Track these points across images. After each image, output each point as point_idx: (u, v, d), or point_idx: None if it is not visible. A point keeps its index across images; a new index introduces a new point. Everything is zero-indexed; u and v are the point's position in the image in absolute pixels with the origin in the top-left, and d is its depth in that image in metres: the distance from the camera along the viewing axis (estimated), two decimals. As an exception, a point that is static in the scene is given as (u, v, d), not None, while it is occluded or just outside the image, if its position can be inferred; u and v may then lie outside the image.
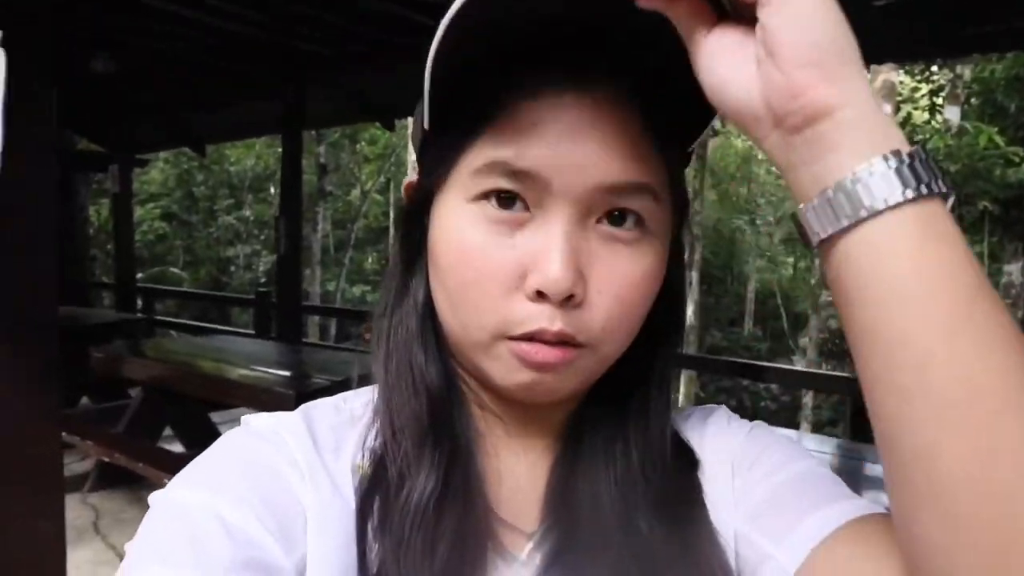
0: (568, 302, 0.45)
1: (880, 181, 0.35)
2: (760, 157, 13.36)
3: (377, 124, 7.58)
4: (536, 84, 0.45)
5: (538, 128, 0.45)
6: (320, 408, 0.54)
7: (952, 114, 7.20)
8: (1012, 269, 7.19)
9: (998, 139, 6.57)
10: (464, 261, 0.46)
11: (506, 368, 0.47)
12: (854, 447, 2.88)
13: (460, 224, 0.47)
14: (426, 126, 0.48)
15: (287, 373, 3.40)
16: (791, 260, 16.34)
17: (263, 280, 14.99)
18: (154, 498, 0.46)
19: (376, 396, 0.53)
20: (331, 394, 0.57)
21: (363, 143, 15.83)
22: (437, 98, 0.46)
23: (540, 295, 0.44)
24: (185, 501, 0.44)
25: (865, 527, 0.45)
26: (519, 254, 0.45)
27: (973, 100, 7.32)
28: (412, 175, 0.54)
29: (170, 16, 3.92)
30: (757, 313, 15.47)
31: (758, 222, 15.05)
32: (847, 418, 4.53)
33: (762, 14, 0.36)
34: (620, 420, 0.53)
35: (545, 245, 0.45)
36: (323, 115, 6.46)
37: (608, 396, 0.54)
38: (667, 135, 0.47)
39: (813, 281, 12.02)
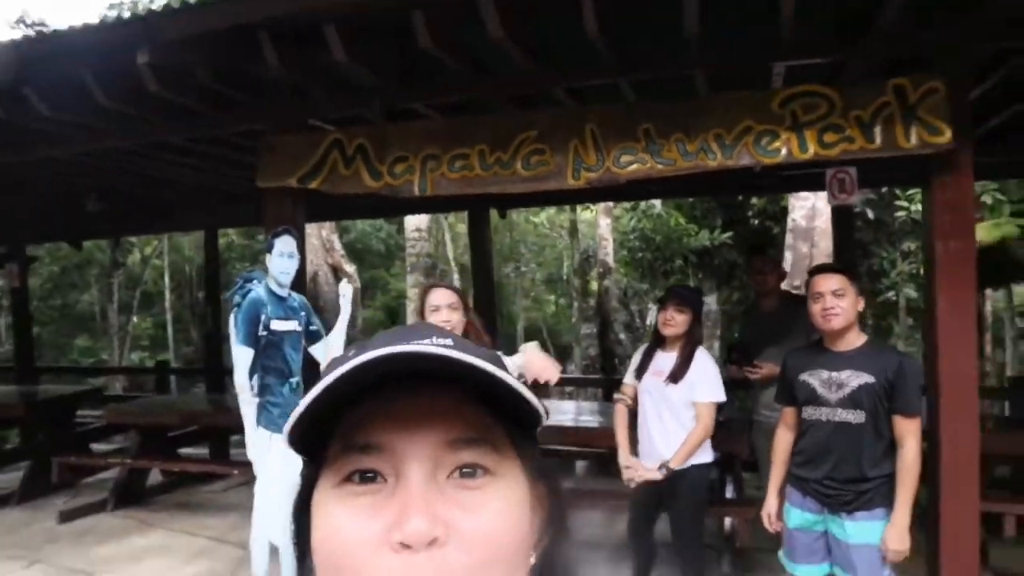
0: (432, 546, 0.46)
1: None
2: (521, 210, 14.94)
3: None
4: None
5: (383, 409, 0.50)
6: None
7: (657, 203, 10.74)
8: (709, 300, 10.74)
9: (682, 220, 10.37)
10: (335, 539, 0.49)
11: None
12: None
13: (330, 508, 0.50)
14: (293, 450, 0.54)
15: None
16: (552, 298, 18.93)
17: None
18: None
19: None
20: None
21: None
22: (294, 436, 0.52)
23: (405, 547, 0.46)
24: None
25: None
26: (383, 521, 0.48)
27: (670, 190, 11.10)
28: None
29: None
30: (528, 347, 17.50)
31: (522, 268, 16.78)
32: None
33: None
34: None
35: (402, 503, 0.48)
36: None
37: None
38: (503, 412, 0.52)
39: (574, 319, 14.64)
